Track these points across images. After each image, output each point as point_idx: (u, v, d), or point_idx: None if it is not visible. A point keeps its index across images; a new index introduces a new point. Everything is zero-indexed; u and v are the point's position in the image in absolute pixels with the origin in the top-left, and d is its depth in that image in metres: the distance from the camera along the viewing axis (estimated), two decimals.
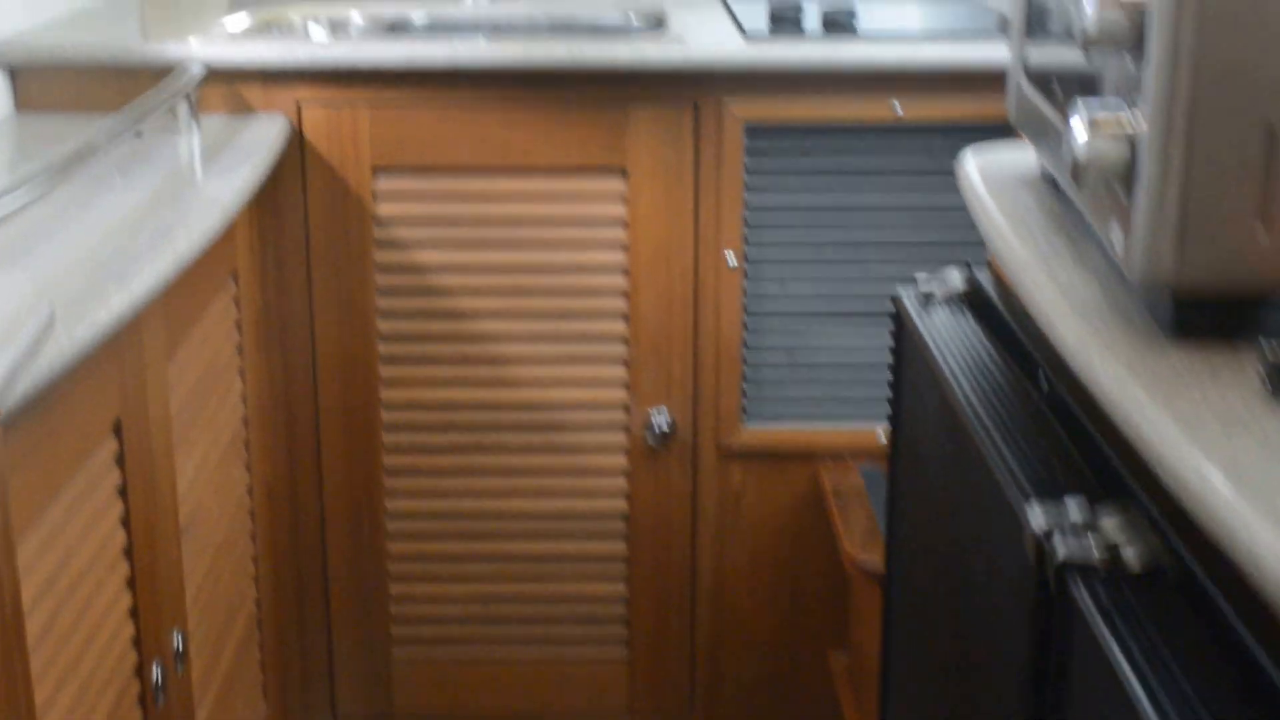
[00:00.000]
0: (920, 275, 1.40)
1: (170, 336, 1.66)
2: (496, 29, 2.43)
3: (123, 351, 1.49)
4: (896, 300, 1.40)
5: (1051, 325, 1.03)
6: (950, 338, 1.32)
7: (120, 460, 1.49)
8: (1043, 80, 1.22)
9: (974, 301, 1.38)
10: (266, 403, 2.09)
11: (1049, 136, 1.18)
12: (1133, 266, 0.93)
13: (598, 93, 2.07)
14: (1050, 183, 1.28)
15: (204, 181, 1.83)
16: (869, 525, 2.12)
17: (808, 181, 2.11)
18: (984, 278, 1.38)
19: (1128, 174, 0.93)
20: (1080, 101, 0.94)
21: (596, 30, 2.44)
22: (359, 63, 2.04)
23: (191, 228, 1.61)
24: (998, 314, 1.32)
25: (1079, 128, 0.93)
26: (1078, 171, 0.94)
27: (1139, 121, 0.91)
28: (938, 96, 2.07)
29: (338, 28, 2.43)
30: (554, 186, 2.10)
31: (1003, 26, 2.23)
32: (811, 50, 2.04)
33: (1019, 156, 1.38)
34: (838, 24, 2.12)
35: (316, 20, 2.43)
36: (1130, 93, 0.93)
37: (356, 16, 2.44)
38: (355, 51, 2.04)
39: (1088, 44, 0.91)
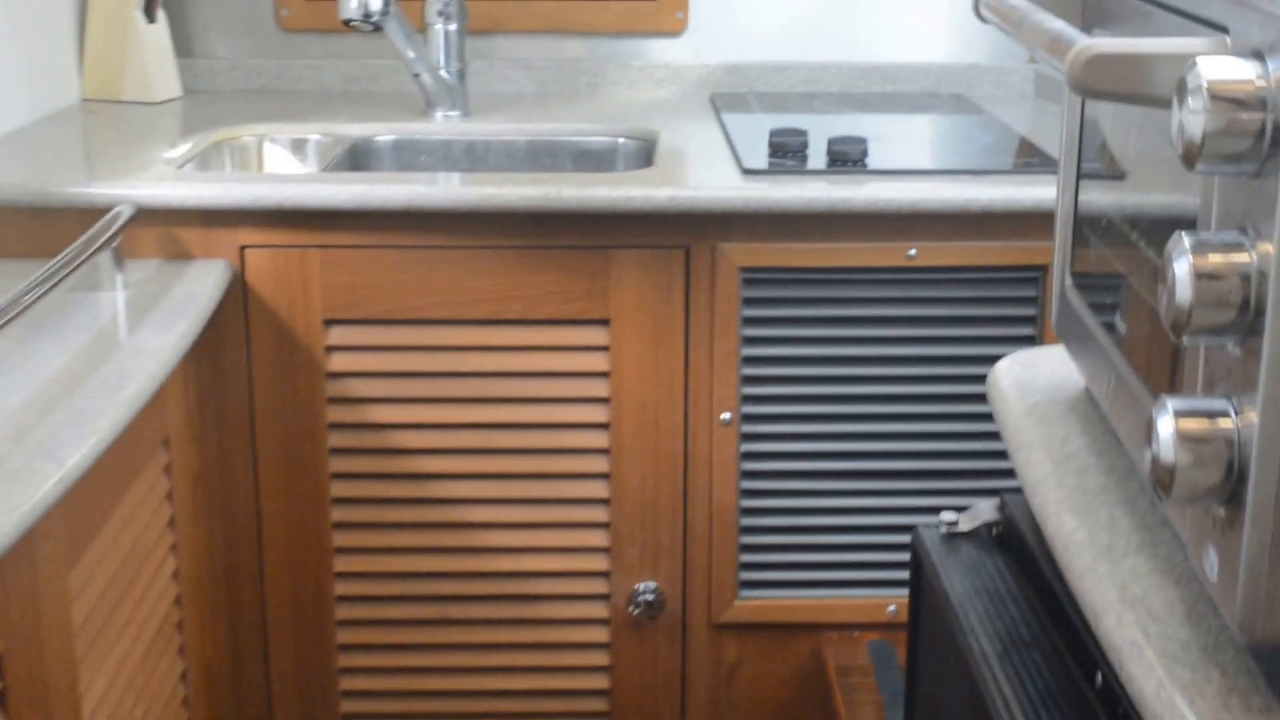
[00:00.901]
0: (945, 512, 1.17)
1: (74, 540, 1.44)
2: (470, 152, 2.22)
3: (4, 575, 1.27)
4: (915, 539, 1.17)
5: (1118, 652, 0.81)
6: (976, 588, 1.09)
7: (2, 701, 1.27)
8: (1101, 306, 1.00)
9: (1007, 539, 1.15)
10: (204, 577, 1.86)
11: (1101, 364, 0.96)
12: (1234, 614, 0.70)
13: (578, 235, 1.85)
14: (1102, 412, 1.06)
15: (130, 343, 1.62)
16: (876, 712, 1.90)
17: (810, 331, 1.89)
18: (1020, 511, 1.15)
19: (1229, 493, 0.70)
20: (1168, 401, 0.71)
21: (580, 155, 2.22)
22: (308, 203, 1.82)
23: (107, 412, 1.40)
24: (1036, 561, 1.09)
25: (1165, 431, 0.70)
26: (1161, 481, 0.72)
27: (1245, 426, 0.69)
28: (955, 238, 1.85)
29: (297, 147, 2.22)
30: (529, 338, 1.89)
31: (1027, 154, 2.02)
32: (817, 191, 1.82)
33: (1059, 367, 1.16)
34: (845, 157, 1.90)
35: (274, 140, 2.22)
36: (1234, 385, 0.71)
37: (316, 136, 2.22)
38: (304, 191, 1.82)
39: (1180, 329, 0.69)
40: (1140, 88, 0.77)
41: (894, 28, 2.52)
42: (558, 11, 2.48)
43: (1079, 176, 1.06)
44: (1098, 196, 1.03)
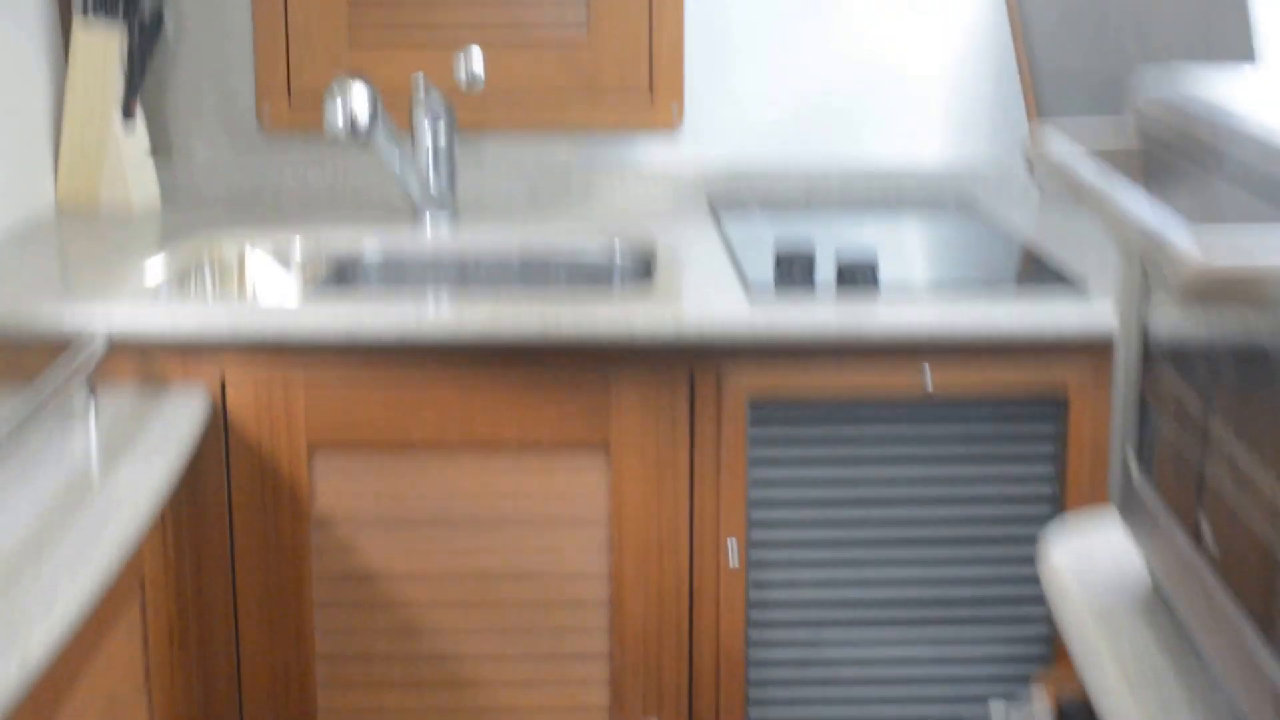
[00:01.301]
0: (994, 704, 1.07)
1: (40, 707, 1.32)
2: (461, 265, 2.13)
3: None
4: None
5: None
6: None
7: None
8: (1176, 496, 0.91)
9: None
10: None
11: (1180, 569, 0.87)
12: None
13: (577, 362, 1.76)
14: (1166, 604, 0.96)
15: (104, 490, 1.51)
16: None
17: (820, 462, 1.80)
18: (1077, 708, 1.06)
19: None
20: None
21: (575, 269, 2.14)
22: (293, 332, 1.72)
23: (78, 579, 1.29)
24: None
25: None
26: None
27: None
28: (972, 363, 1.76)
29: (281, 259, 2.12)
30: (524, 467, 1.79)
31: (1037, 265, 1.93)
32: (828, 315, 1.74)
33: (1120, 554, 1.06)
34: (856, 276, 1.82)
35: (255, 252, 2.12)
36: None
37: (300, 247, 2.13)
38: (288, 320, 1.73)
39: None
40: (1262, 300, 0.68)
41: (894, 126, 2.45)
42: (548, 107, 2.40)
43: (1146, 355, 0.98)
44: (1173, 380, 0.94)
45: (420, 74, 2.15)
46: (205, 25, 2.39)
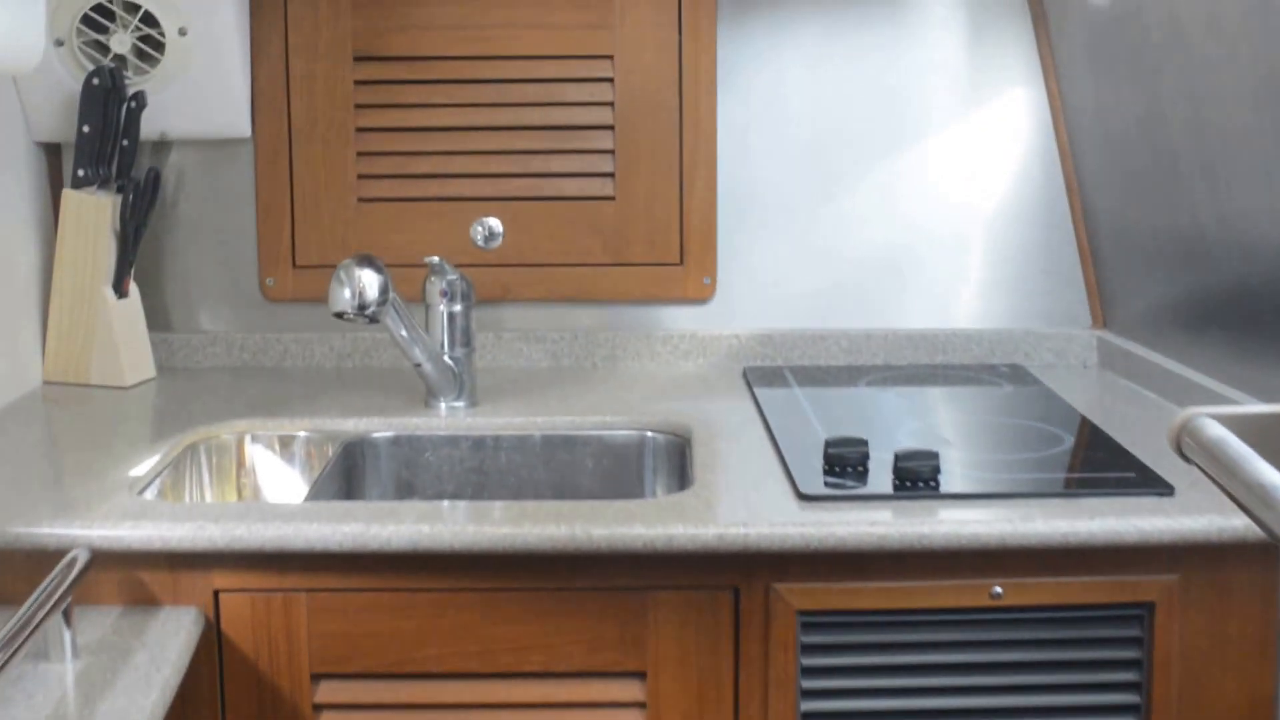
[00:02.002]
0: None
1: None
2: (478, 449, 1.97)
3: None
4: None
5: None
6: None
7: None
8: None
9: None
10: None
11: None
12: None
13: (610, 575, 1.58)
14: None
15: None
16: None
17: (879, 672, 1.62)
18: None
19: None
20: None
21: (603, 453, 1.97)
22: (293, 544, 1.56)
23: None
24: None
25: None
26: None
27: None
28: (1046, 573, 1.59)
29: (283, 446, 1.96)
30: (552, 695, 1.61)
31: (1110, 453, 1.77)
32: (886, 526, 1.56)
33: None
34: (915, 476, 1.65)
35: (255, 439, 1.96)
36: None
37: (304, 433, 1.97)
38: (288, 530, 1.56)
39: None
40: None
41: (940, 291, 2.30)
42: (573, 278, 2.26)
43: None
44: None
45: (436, 258, 2.01)
46: (206, 191, 2.26)
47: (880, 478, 1.68)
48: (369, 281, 1.86)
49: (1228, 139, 1.73)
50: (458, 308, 2.03)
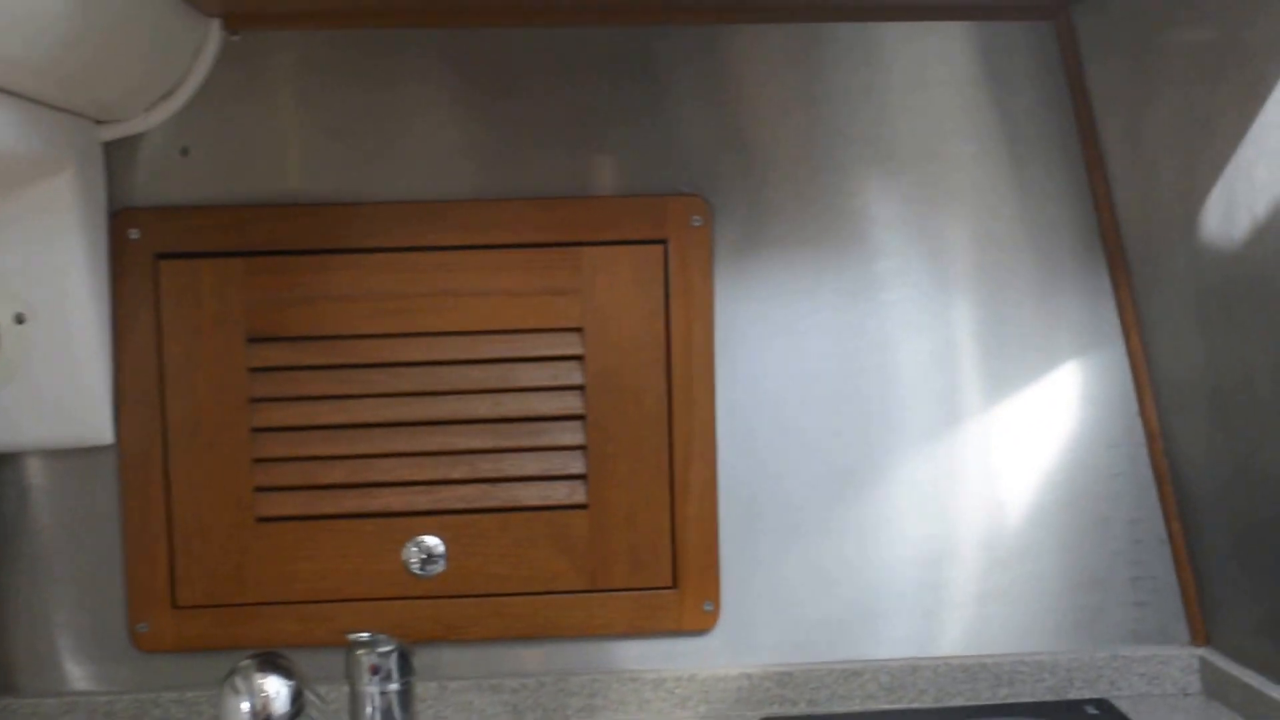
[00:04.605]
0: None
1: None
2: None
3: None
4: None
5: None
6: None
7: None
8: None
9: None
10: None
11: None
12: None
13: None
14: None
15: None
16: None
17: None
18: None
19: None
20: None
21: None
22: None
23: None
24: None
25: None
26: None
27: None
28: None
29: None
30: None
31: None
32: None
33: None
34: None
35: None
36: None
37: None
38: None
39: None
40: None
41: (1000, 608, 1.83)
42: (536, 610, 1.77)
43: None
44: None
45: (366, 634, 1.51)
46: (58, 513, 1.76)
47: None
48: (275, 691, 1.36)
49: None
50: (393, 686, 1.52)
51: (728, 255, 1.79)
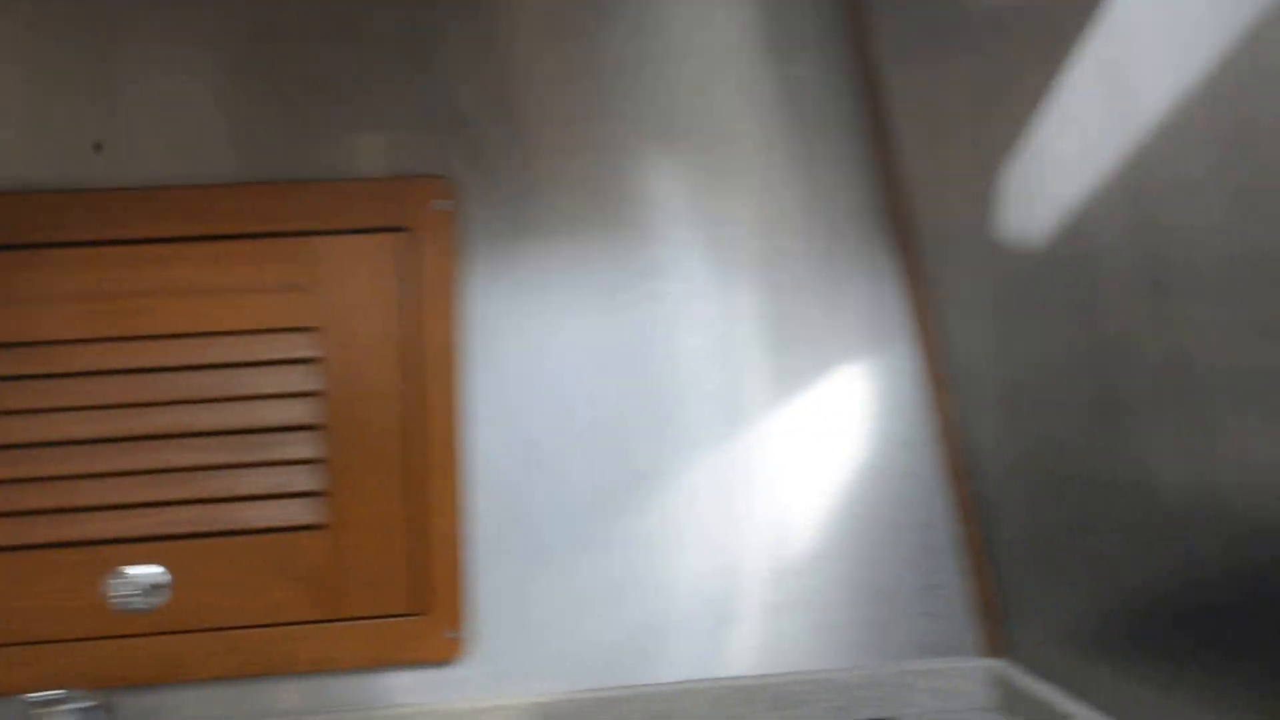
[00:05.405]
0: None
1: None
2: None
3: None
4: None
5: None
6: None
7: None
8: None
9: None
10: None
11: None
12: None
13: None
14: None
15: None
16: None
17: None
18: None
19: None
20: None
21: None
22: None
23: None
24: None
25: None
26: None
27: None
28: None
29: None
30: None
31: None
32: None
33: None
34: None
35: None
36: None
37: None
38: None
39: None
40: None
41: (780, 625, 1.69)
42: (267, 643, 1.59)
43: None
44: None
45: (62, 691, 1.33)
46: None
47: None
48: None
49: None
50: None
51: (481, 243, 1.62)
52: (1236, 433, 1.10)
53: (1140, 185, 1.15)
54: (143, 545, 1.56)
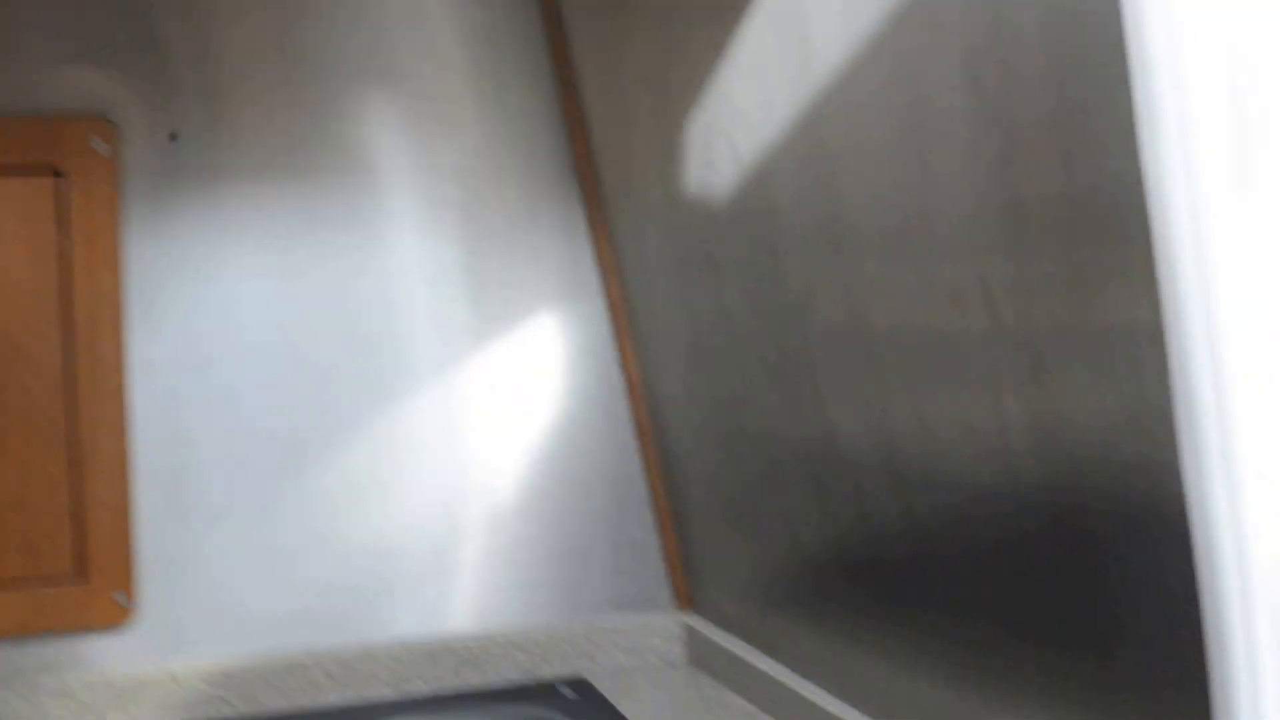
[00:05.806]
0: None
1: None
2: None
3: None
4: None
5: None
6: None
7: None
8: None
9: None
10: None
11: None
12: None
13: None
14: None
15: None
16: None
17: None
18: None
19: None
20: None
21: None
22: None
23: None
24: None
25: None
26: None
27: None
28: None
29: None
30: None
31: None
32: None
33: None
34: None
35: None
36: None
37: None
38: None
39: None
40: None
41: (465, 584, 1.65)
42: None
43: None
44: None
45: None
46: None
47: None
48: None
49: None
50: None
51: (146, 187, 1.51)
52: (910, 390, 1.10)
53: (820, 138, 1.14)
54: None
